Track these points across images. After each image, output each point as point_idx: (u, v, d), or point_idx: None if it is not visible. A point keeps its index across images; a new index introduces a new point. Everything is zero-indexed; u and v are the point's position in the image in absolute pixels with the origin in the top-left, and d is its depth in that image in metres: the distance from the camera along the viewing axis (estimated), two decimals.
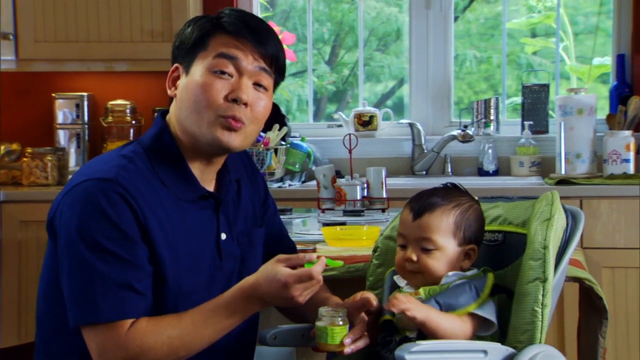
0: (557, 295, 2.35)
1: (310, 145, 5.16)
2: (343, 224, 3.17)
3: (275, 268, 2.17)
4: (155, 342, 2.13)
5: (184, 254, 2.24)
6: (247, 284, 2.19)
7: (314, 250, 2.79)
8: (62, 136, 5.16)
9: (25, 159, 5.04)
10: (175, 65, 2.30)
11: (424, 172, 5.24)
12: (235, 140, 2.26)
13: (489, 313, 2.26)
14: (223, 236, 2.34)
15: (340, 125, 5.40)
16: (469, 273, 2.34)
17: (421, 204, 2.33)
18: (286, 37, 5.57)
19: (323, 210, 3.67)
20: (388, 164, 5.26)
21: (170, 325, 2.16)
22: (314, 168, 5.06)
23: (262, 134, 4.79)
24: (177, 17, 5.00)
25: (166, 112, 2.34)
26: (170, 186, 2.24)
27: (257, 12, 5.52)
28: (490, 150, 5.17)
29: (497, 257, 2.40)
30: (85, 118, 5.16)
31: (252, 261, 2.40)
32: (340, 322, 2.19)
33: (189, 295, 2.24)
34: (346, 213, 3.54)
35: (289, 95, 5.74)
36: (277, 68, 2.31)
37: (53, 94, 5.17)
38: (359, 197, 3.61)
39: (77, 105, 5.12)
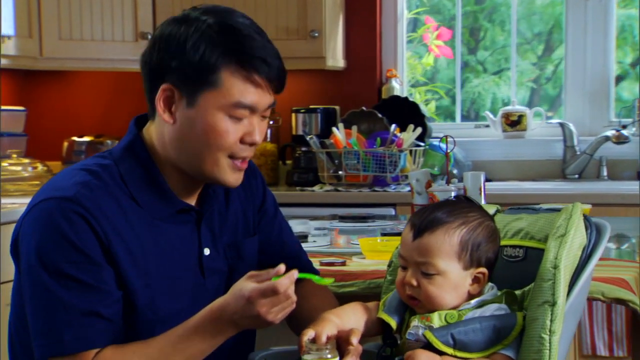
0: (575, 320, 2.10)
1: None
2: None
3: (242, 284, 1.99)
4: None
5: (157, 277, 2.08)
6: (216, 305, 2.02)
7: (344, 264, 2.57)
8: None
9: None
10: (169, 86, 2.05)
11: (577, 176, 4.88)
12: (240, 179, 2.12)
13: (514, 353, 2.01)
14: (206, 251, 2.17)
15: (487, 126, 5.11)
16: (488, 297, 2.07)
17: (422, 221, 2.06)
18: (443, 33, 5.35)
19: None
20: (538, 166, 4.98)
21: (137, 353, 2.01)
22: (454, 171, 4.83)
23: (397, 134, 4.59)
24: (313, 14, 4.88)
25: (141, 119, 2.17)
26: (143, 203, 2.08)
27: (403, 6, 5.30)
28: None
29: (517, 275, 2.13)
30: None
31: (241, 274, 2.17)
32: (329, 355, 1.97)
33: (167, 320, 2.08)
34: None
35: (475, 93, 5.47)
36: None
37: None
38: None
39: None
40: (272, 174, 5.13)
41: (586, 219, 2.10)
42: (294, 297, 1.98)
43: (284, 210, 4.46)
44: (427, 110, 5.42)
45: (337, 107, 5.12)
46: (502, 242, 2.15)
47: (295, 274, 1.98)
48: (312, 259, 2.61)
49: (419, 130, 4.61)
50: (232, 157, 2.07)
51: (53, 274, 1.97)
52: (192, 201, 2.17)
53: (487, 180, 4.89)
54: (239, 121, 2.05)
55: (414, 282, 2.04)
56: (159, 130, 2.10)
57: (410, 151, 4.65)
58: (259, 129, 2.08)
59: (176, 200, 2.12)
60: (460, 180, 3.63)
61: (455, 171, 4.86)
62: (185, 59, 2.02)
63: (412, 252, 2.05)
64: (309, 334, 1.99)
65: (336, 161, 4.70)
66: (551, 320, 1.95)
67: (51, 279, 1.97)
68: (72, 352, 1.98)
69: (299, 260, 2.34)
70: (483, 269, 2.05)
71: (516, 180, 4.94)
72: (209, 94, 2.02)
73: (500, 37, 5.47)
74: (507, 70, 5.44)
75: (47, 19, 4.86)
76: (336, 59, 5.07)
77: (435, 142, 4.89)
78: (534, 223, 2.16)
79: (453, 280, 2.03)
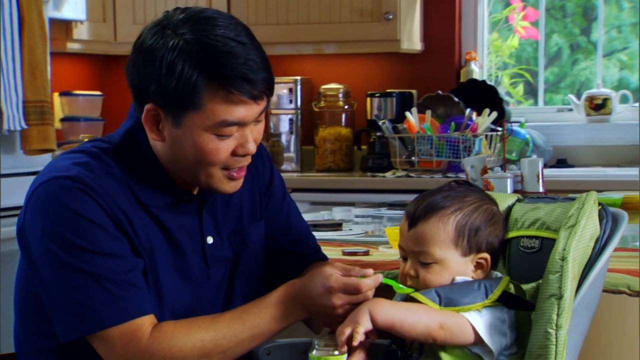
0: (588, 314, 2.00)
1: (531, 132, 4.76)
2: None
3: (327, 272, 1.96)
4: (184, 345, 1.95)
5: (161, 264, 2.02)
6: (294, 285, 2.00)
7: (366, 254, 2.50)
8: (277, 121, 5.07)
9: None
10: (153, 106, 1.96)
11: None
12: (238, 186, 2.05)
13: (485, 326, 1.92)
14: (209, 240, 2.10)
15: (570, 110, 4.92)
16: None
17: (416, 210, 2.00)
18: (529, 14, 5.18)
19: None
20: (623, 152, 4.82)
21: (203, 327, 1.96)
22: (534, 156, 4.67)
23: (473, 117, 4.45)
24: None
25: None
26: (143, 191, 2.02)
27: None
28: None
29: (534, 267, 2.03)
30: (299, 102, 5.03)
31: (247, 261, 2.15)
32: (336, 352, 1.93)
33: (172, 307, 2.03)
34: None
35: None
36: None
37: None
38: (509, 191, 3.19)
39: (290, 90, 5.00)
40: (347, 159, 5.04)
41: (603, 208, 2.00)
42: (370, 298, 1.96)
43: (356, 197, 4.45)
44: (514, 93, 5.27)
45: (414, 91, 5.01)
46: (519, 233, 2.07)
47: (380, 278, 1.96)
48: (337, 248, 2.53)
49: (495, 114, 4.46)
50: (226, 169, 2.00)
51: (70, 251, 1.92)
52: (194, 188, 2.09)
53: (569, 166, 4.76)
54: (229, 136, 1.97)
55: (413, 273, 1.99)
56: (156, 144, 2.04)
57: (487, 136, 4.50)
58: (253, 137, 1.99)
59: (177, 189, 2.06)
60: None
61: (534, 157, 4.69)
62: (162, 83, 1.93)
63: (409, 242, 1.99)
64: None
65: (409, 146, 4.59)
66: (558, 315, 1.88)
67: (70, 257, 1.92)
68: (113, 324, 1.92)
69: (307, 245, 2.27)
70: (485, 254, 1.99)
71: (600, 166, 4.78)
72: (193, 116, 1.94)
73: (615, 19, 5.25)
74: (618, 51, 5.22)
75: (121, 4, 4.88)
76: (412, 41, 4.95)
77: (514, 126, 4.73)
78: (550, 213, 2.06)
79: (452, 268, 1.97)
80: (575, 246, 1.90)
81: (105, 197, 1.95)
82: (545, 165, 4.77)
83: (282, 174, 4.83)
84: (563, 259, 1.89)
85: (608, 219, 1.97)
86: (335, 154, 5.01)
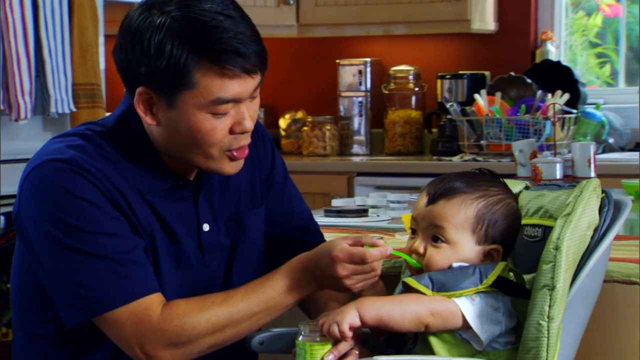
0: (586, 305, 1.92)
1: (608, 114, 4.57)
2: None
3: (335, 241, 1.93)
4: (198, 321, 1.91)
5: (158, 253, 1.98)
6: (306, 256, 1.97)
7: (381, 239, 2.38)
8: (347, 104, 4.98)
9: (305, 128, 4.93)
10: (145, 89, 1.92)
11: None
12: (239, 166, 2.00)
13: (476, 314, 1.84)
14: (205, 227, 2.05)
15: None
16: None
17: (438, 189, 1.94)
18: None
19: None
20: None
21: (217, 303, 1.93)
22: (610, 140, 4.49)
23: (548, 98, 4.30)
24: None
25: None
26: (135, 176, 1.97)
27: None
28: None
29: (536, 257, 1.93)
30: (368, 85, 4.93)
31: (244, 248, 2.10)
32: (318, 339, 1.89)
33: (170, 293, 1.98)
34: None
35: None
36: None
37: (337, 60, 5.00)
38: (558, 177, 3.07)
39: (360, 72, 4.91)
40: (417, 143, 4.93)
41: (607, 196, 1.91)
42: (379, 272, 1.93)
43: (422, 181, 4.31)
44: (601, 74, 5.08)
45: (486, 73, 4.86)
46: (523, 221, 1.99)
47: (389, 250, 1.91)
48: (351, 235, 2.45)
49: (567, 96, 4.29)
50: (227, 149, 1.95)
51: (69, 233, 1.89)
52: (190, 174, 2.04)
53: None
54: (225, 115, 1.91)
55: (422, 251, 1.93)
56: (151, 128, 1.99)
57: (559, 118, 4.33)
58: (249, 114, 1.94)
59: (172, 174, 2.01)
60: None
61: (610, 140, 4.52)
62: (152, 64, 1.89)
63: (426, 216, 1.94)
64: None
65: (478, 130, 4.46)
66: (550, 306, 1.83)
67: (70, 239, 1.89)
68: (122, 304, 1.89)
69: (308, 232, 2.21)
70: (497, 246, 1.93)
71: None
72: (187, 95, 1.89)
73: None
74: None
75: None
76: (485, 21, 4.80)
77: (589, 109, 4.55)
78: (554, 200, 1.98)
79: (461, 254, 1.91)
80: (570, 235, 1.82)
81: (102, 179, 1.92)
82: (623, 149, 4.60)
83: (352, 158, 4.83)
84: (557, 248, 1.82)
85: (610, 207, 1.88)
86: (405, 137, 4.90)
